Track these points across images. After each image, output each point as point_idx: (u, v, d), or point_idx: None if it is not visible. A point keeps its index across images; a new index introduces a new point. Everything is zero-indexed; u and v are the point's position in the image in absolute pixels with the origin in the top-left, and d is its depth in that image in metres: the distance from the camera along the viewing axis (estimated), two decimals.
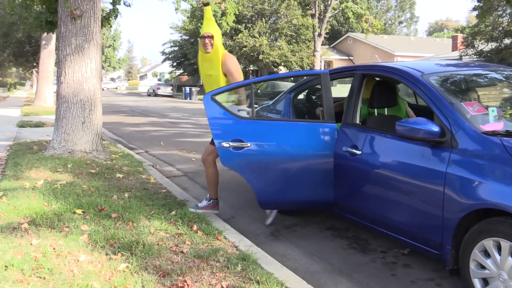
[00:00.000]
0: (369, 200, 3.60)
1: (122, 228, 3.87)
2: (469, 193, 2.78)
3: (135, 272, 3.03)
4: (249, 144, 3.90)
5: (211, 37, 4.34)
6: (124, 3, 11.20)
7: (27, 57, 31.52)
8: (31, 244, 3.44)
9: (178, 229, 3.94)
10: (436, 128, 3.01)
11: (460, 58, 26.21)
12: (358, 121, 3.96)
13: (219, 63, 4.38)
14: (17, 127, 12.46)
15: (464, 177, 2.82)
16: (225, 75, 4.45)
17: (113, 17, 8.81)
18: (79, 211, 4.25)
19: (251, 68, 45.97)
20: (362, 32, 32.89)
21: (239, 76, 4.45)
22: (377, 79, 4.30)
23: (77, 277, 2.93)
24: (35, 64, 29.55)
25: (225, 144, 3.89)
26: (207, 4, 4.58)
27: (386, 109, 4.23)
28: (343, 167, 3.83)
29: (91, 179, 5.62)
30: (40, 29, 8.05)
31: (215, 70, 4.41)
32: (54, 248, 3.38)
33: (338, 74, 4.47)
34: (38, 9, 8.24)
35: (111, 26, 13.34)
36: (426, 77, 3.44)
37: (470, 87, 3.83)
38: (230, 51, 41.12)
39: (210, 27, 4.39)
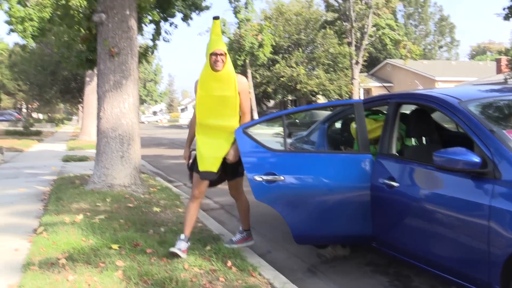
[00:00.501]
0: (409, 234, 3.45)
1: (157, 264, 3.84)
2: None
3: None
4: (282, 178, 3.84)
5: (224, 54, 3.95)
6: (163, 39, 11.54)
7: (73, 93, 32.67)
8: (67, 280, 3.46)
9: (213, 265, 3.88)
10: (476, 159, 2.88)
11: (506, 81, 25.51)
12: (394, 152, 3.84)
13: (234, 82, 4.01)
14: (62, 162, 12.84)
15: (510, 210, 2.65)
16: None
17: (150, 53, 9.03)
18: (115, 246, 4.26)
19: (289, 98, 46.13)
20: (401, 58, 32.56)
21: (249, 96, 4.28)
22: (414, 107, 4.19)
23: None
24: (80, 100, 30.58)
25: (257, 178, 3.84)
26: (217, 18, 4.11)
27: (423, 138, 4.10)
28: (380, 200, 3.70)
29: (128, 213, 5.66)
30: (81, 67, 8.33)
31: (229, 90, 4.00)
32: (89, 285, 3.39)
33: (372, 104, 4.36)
34: (79, 48, 8.55)
35: (148, 62, 13.70)
36: (464, 104, 3.31)
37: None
38: (268, 82, 41.54)
39: (221, 43, 3.99)
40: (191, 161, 4.28)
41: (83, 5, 10.01)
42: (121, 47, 6.84)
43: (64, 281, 3.46)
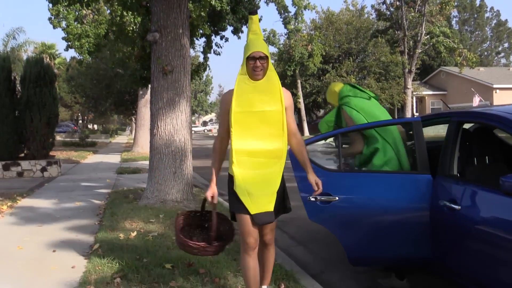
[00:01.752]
0: (471, 259, 3.26)
1: (209, 285, 3.82)
2: None
3: None
4: (336, 198, 3.74)
5: (265, 58, 3.02)
6: (214, 52, 11.74)
7: (127, 105, 33.58)
8: None
9: (270, 285, 3.82)
10: None
11: None
12: (455, 172, 3.66)
13: (280, 93, 3.10)
14: (116, 174, 13.18)
15: None
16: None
17: (202, 70, 9.15)
18: (168, 265, 4.28)
19: None
20: (456, 65, 31.59)
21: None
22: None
23: None
24: (133, 111, 31.41)
25: (312, 198, 3.76)
26: (254, 13, 3.22)
27: (486, 158, 3.89)
28: (440, 222, 3.53)
29: None
30: (135, 84, 8.53)
31: (274, 103, 3.09)
32: None
33: (431, 121, 4.19)
34: (133, 66, 8.75)
35: (200, 78, 13.94)
36: None
37: None
38: (318, 92, 41.34)
39: (260, 44, 3.06)
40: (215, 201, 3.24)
41: (137, 22, 10.31)
42: (174, 65, 6.94)
43: None
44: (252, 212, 3.04)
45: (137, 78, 8.26)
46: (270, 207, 3.07)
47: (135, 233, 5.42)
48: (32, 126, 12.84)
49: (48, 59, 44.76)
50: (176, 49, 6.93)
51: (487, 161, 3.88)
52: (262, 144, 3.08)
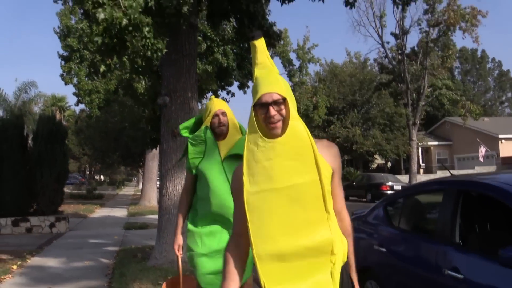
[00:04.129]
0: None
1: None
2: None
3: None
4: None
5: (282, 102, 1.95)
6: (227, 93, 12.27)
7: (134, 157, 33.98)
8: None
9: None
10: None
11: None
12: (457, 240, 3.76)
13: (314, 153, 1.93)
14: (123, 230, 13.25)
15: None
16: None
17: None
18: None
19: (346, 158, 45.86)
20: (460, 116, 31.95)
21: None
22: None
23: None
24: (140, 163, 31.73)
25: None
26: (257, 36, 2.06)
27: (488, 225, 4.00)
28: None
29: None
30: (145, 145, 8.77)
31: (307, 171, 1.92)
32: None
33: (427, 190, 4.32)
34: (143, 126, 9.04)
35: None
36: None
37: None
38: None
39: (273, 82, 1.98)
40: None
41: (145, 79, 10.72)
42: None
43: None
44: None
45: (147, 140, 8.51)
46: None
47: None
48: (42, 181, 13.08)
49: (58, 112, 45.65)
50: (185, 112, 7.19)
51: (489, 229, 3.99)
52: (297, 239, 1.91)
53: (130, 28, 4.80)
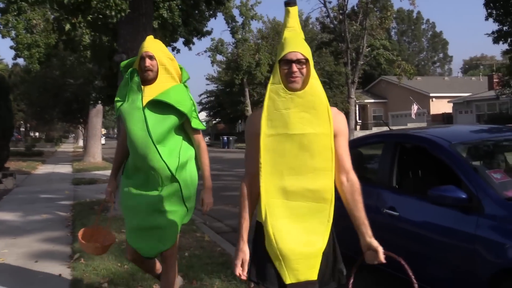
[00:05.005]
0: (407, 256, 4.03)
1: (188, 286, 4.39)
2: (496, 254, 3.20)
3: None
4: None
5: (305, 62, 2.22)
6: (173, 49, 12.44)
7: (74, 114, 33.26)
8: None
9: (238, 286, 4.43)
10: (463, 195, 3.46)
11: (497, 97, 26.32)
12: (394, 184, 4.43)
13: (327, 110, 2.24)
14: (72, 185, 13.38)
15: (490, 239, 3.24)
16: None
17: None
18: None
19: None
20: (395, 75, 33.45)
21: None
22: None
23: None
24: (81, 120, 31.13)
25: None
26: (292, 4, 2.35)
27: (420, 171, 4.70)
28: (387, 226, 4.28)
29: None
30: (103, 102, 8.89)
31: (320, 124, 2.23)
32: None
33: (368, 142, 4.96)
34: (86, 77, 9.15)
35: None
36: (453, 147, 3.90)
37: (498, 154, 4.26)
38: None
39: (300, 43, 2.25)
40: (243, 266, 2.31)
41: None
42: None
43: None
44: (288, 281, 2.23)
45: (105, 96, 8.65)
46: (313, 275, 2.27)
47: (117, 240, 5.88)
48: None
49: None
50: None
51: (420, 174, 4.68)
52: (302, 181, 2.24)
53: None
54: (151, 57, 3.14)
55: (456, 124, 32.68)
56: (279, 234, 2.23)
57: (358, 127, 43.54)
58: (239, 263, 2.30)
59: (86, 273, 4.80)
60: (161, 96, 3.14)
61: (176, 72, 3.30)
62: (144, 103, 3.14)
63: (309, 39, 42.35)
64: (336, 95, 40.83)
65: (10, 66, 43.20)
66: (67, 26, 5.95)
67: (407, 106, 40.33)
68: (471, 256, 3.36)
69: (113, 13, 5.38)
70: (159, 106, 3.14)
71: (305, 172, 2.24)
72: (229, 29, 39.16)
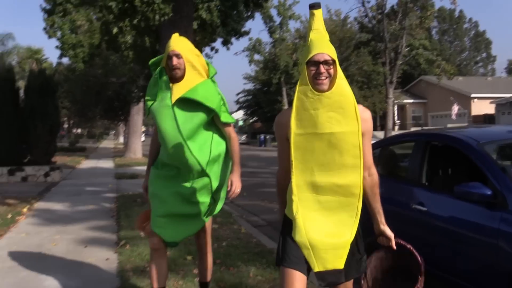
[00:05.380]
0: (437, 250, 4.21)
1: (226, 272, 4.70)
2: None
3: None
4: None
5: (332, 63, 2.33)
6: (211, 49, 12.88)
7: (116, 111, 34.29)
8: None
9: (272, 274, 4.70)
10: (489, 192, 3.62)
11: None
12: (424, 182, 4.61)
13: (355, 110, 2.36)
14: (115, 179, 13.95)
15: None
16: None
17: None
18: (189, 257, 5.15)
19: None
20: (435, 75, 32.99)
21: None
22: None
23: None
24: (122, 118, 32.08)
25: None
26: (317, 6, 2.46)
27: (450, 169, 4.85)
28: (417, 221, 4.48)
29: None
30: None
31: (347, 123, 2.36)
32: (174, 287, 4.27)
33: (403, 140, 5.14)
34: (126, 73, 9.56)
35: None
36: (481, 146, 4.05)
37: None
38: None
39: (326, 45, 2.37)
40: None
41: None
42: None
43: None
44: (316, 269, 2.37)
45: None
46: (340, 264, 2.40)
47: None
48: (36, 133, 13.58)
49: (34, 64, 44.97)
50: None
51: (449, 172, 4.84)
52: (332, 176, 2.40)
53: None
54: (178, 56, 3.17)
55: (497, 125, 31.97)
56: (309, 225, 2.38)
57: (396, 127, 43.11)
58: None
59: (132, 258, 5.17)
60: (189, 94, 3.18)
61: (203, 68, 3.32)
62: (173, 101, 3.19)
63: (347, 39, 42.24)
64: (375, 94, 40.53)
65: (54, 65, 44.79)
66: (115, 30, 6.35)
67: (447, 107, 39.68)
68: (494, 250, 3.52)
69: (157, 16, 5.74)
70: (188, 103, 3.19)
71: (334, 169, 2.39)
72: (267, 28, 39.65)
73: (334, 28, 43.56)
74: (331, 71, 2.31)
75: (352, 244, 2.43)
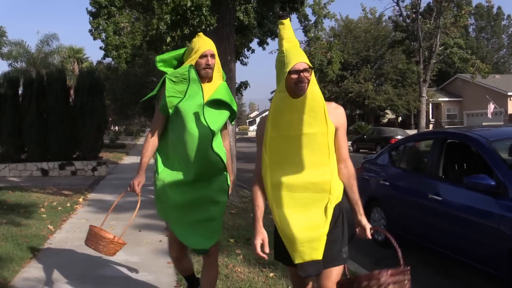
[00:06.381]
0: (442, 233, 4.80)
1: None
2: None
3: (280, 279, 4.51)
4: None
5: (309, 70, 2.46)
6: (241, 63, 13.49)
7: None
8: None
9: None
10: (493, 182, 4.20)
11: None
12: (441, 175, 5.18)
13: (324, 112, 2.51)
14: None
15: (511, 218, 3.96)
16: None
17: (243, 89, 10.76)
18: (232, 240, 5.87)
19: (357, 112, 46.94)
20: (469, 73, 32.86)
21: None
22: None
23: (244, 280, 4.47)
24: None
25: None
26: (285, 16, 2.61)
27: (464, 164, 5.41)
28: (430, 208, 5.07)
29: (234, 218, 7.29)
30: None
31: (317, 124, 2.52)
32: (223, 263, 4.98)
33: (421, 138, 5.72)
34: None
35: (242, 95, 15.62)
36: (489, 143, 4.62)
37: None
38: (336, 97, 42.76)
39: (301, 54, 2.48)
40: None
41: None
42: None
43: None
44: (295, 261, 2.54)
45: None
46: (318, 255, 2.52)
47: None
48: (85, 130, 14.59)
49: (75, 63, 46.76)
50: (225, 72, 8.50)
51: (463, 166, 5.40)
52: (304, 175, 2.55)
53: (193, 8, 6.10)
54: (213, 56, 3.21)
55: None
56: (284, 222, 2.54)
57: (431, 125, 42.92)
58: (258, 243, 2.57)
59: None
60: (219, 95, 3.24)
61: (221, 70, 3.42)
62: (205, 100, 3.18)
63: (381, 37, 42.29)
64: (409, 93, 40.45)
65: (94, 64, 46.41)
66: (168, 39, 7.12)
67: (483, 105, 39.32)
68: (496, 232, 4.09)
69: (203, 26, 6.47)
70: (215, 103, 3.23)
71: (306, 167, 2.54)
72: (301, 27, 39.96)
73: (369, 26, 43.69)
74: (309, 77, 2.45)
75: (330, 236, 2.55)
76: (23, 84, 15.15)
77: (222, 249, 5.49)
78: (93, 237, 3.66)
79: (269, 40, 15.33)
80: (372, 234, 2.68)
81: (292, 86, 2.44)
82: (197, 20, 6.27)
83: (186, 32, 6.60)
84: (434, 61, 27.73)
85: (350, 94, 40.84)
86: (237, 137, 9.45)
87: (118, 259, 5.21)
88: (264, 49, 15.58)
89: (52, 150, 14.60)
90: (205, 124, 3.14)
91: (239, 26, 13.73)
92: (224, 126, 3.46)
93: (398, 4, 27.84)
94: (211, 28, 6.63)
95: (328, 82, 41.76)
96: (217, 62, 3.29)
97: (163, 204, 3.45)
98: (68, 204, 8.69)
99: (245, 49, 15.23)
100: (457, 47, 27.54)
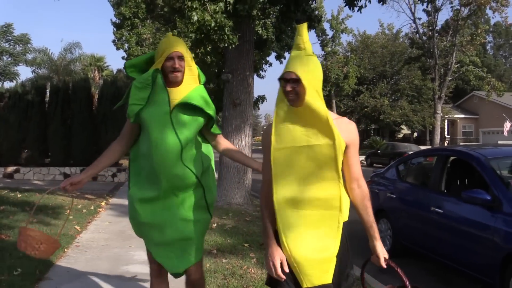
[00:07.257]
0: (439, 241, 5.16)
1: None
2: (508, 240, 4.29)
3: None
4: None
5: (298, 80, 2.27)
6: (258, 75, 13.99)
7: None
8: (223, 261, 5.50)
9: None
10: (488, 197, 4.57)
11: None
12: (443, 189, 5.56)
13: (327, 121, 2.31)
14: None
15: (503, 229, 4.33)
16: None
17: (260, 102, 11.26)
18: (246, 244, 6.29)
19: (373, 127, 47.16)
20: (485, 91, 32.99)
21: None
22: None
23: (257, 280, 4.89)
24: None
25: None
26: (302, 21, 2.57)
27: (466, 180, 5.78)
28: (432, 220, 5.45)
29: (248, 225, 7.72)
30: None
31: (324, 136, 2.33)
32: (237, 265, 5.40)
33: (427, 155, 6.11)
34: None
35: (258, 108, 16.14)
36: (487, 160, 5.00)
37: None
38: (352, 111, 43.09)
39: (297, 64, 2.32)
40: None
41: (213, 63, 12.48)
42: (242, 99, 9.05)
43: (221, 261, 5.50)
44: (304, 285, 2.34)
45: None
46: (327, 279, 2.36)
47: (215, 224, 7.46)
48: (107, 137, 15.09)
49: (96, 71, 47.75)
50: (244, 87, 9.01)
51: (464, 181, 5.77)
52: (311, 190, 2.35)
53: (216, 28, 6.59)
54: (181, 57, 2.82)
55: None
56: (292, 243, 2.32)
57: (446, 142, 42.94)
58: (278, 263, 2.32)
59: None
60: (189, 99, 2.86)
61: (196, 72, 3.01)
62: (172, 107, 2.83)
63: (398, 53, 42.64)
64: (424, 109, 40.63)
65: (114, 72, 47.31)
66: (192, 55, 7.61)
67: (499, 123, 39.22)
68: (491, 243, 4.46)
69: (225, 44, 6.95)
70: (186, 109, 2.87)
71: (314, 182, 2.33)
72: (319, 42, 40.57)
73: (386, 42, 44.09)
74: (298, 89, 2.26)
75: (338, 258, 2.39)
76: (49, 92, 15.81)
77: (237, 252, 5.91)
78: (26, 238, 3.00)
79: (286, 54, 15.77)
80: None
81: (284, 95, 2.33)
82: (220, 38, 6.74)
83: (209, 49, 7.07)
84: (450, 78, 27.98)
85: (365, 109, 41.17)
86: (253, 148, 9.88)
87: (141, 257, 5.66)
88: (281, 62, 16.03)
89: (74, 156, 15.19)
90: (173, 132, 2.82)
91: (257, 40, 14.25)
92: (213, 135, 3.10)
93: (415, 22, 28.21)
94: (233, 46, 7.10)
95: (344, 96, 42.24)
96: (191, 64, 2.94)
97: (135, 221, 3.08)
98: (92, 207, 9.20)
99: (263, 63, 15.74)
100: (473, 65, 27.79)
